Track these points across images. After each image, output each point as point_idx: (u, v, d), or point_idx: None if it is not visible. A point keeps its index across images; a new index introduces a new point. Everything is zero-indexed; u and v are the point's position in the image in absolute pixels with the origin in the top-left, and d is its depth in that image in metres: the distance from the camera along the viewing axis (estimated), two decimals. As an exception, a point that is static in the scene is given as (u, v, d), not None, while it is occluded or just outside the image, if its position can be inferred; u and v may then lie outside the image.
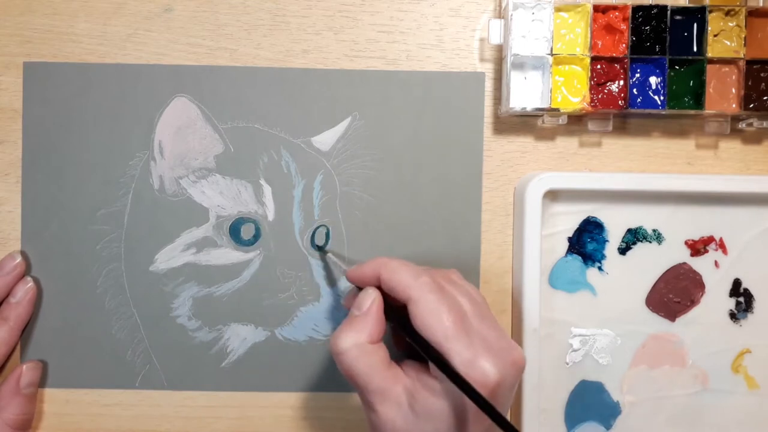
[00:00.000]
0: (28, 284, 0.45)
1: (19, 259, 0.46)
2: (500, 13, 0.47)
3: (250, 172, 0.46)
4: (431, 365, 0.36)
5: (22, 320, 0.45)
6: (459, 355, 0.35)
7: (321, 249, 0.46)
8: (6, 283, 0.45)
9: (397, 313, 0.38)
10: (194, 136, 0.46)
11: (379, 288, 0.38)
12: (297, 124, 0.46)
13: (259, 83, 0.46)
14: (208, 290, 0.47)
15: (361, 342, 0.37)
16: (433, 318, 0.36)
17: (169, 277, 0.47)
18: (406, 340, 0.39)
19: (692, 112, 0.45)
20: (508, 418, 0.47)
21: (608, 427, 0.47)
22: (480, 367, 0.35)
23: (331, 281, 0.46)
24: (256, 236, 0.46)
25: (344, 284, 0.47)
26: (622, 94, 0.45)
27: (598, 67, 0.45)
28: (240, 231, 0.46)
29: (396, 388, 0.36)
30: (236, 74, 0.46)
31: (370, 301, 0.38)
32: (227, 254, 0.46)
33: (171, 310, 0.47)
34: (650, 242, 0.47)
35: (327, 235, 0.47)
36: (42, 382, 0.46)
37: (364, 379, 0.36)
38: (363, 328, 0.37)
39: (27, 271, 0.46)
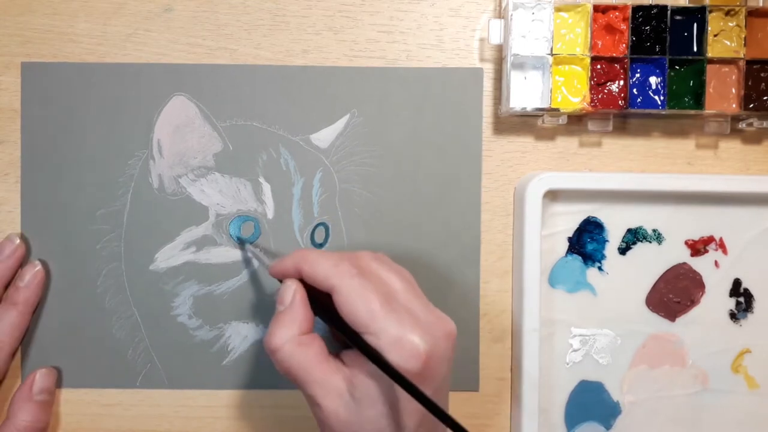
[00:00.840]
0: (36, 267, 0.45)
1: (17, 241, 0.45)
2: (500, 13, 0.47)
3: (249, 170, 0.46)
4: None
5: (31, 304, 0.45)
6: (386, 333, 0.35)
7: (241, 241, 0.46)
8: (7, 267, 0.45)
9: (321, 304, 0.38)
10: (193, 135, 0.46)
11: (303, 282, 0.38)
12: (295, 122, 0.46)
13: (258, 81, 0.46)
14: (208, 288, 0.47)
15: (292, 336, 0.36)
16: (357, 302, 0.35)
17: (169, 275, 0.47)
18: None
19: (692, 112, 0.45)
20: (510, 419, 0.47)
21: (608, 427, 0.47)
22: (409, 341, 0.35)
23: (252, 274, 0.46)
24: (256, 234, 0.46)
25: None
26: (622, 94, 0.45)
27: (598, 67, 0.45)
28: (240, 229, 0.46)
29: (335, 379, 0.36)
30: (234, 72, 0.46)
31: (291, 293, 0.38)
32: (227, 252, 0.46)
33: (171, 309, 0.47)
34: (650, 242, 0.47)
35: (326, 232, 0.47)
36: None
37: (303, 374, 0.36)
38: (291, 321, 0.37)
39: (27, 255, 0.46)
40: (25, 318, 0.45)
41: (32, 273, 0.45)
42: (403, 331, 0.35)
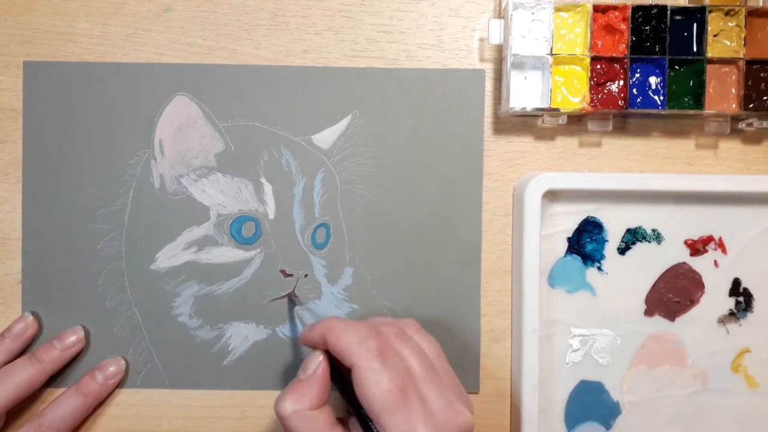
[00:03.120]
0: (80, 333, 0.46)
1: (30, 319, 0.46)
2: (500, 13, 0.47)
3: (250, 170, 0.46)
4: None
5: (55, 366, 0.45)
6: (395, 429, 0.35)
7: (292, 302, 0.46)
8: (17, 348, 0.45)
9: (341, 380, 0.38)
10: (194, 135, 0.46)
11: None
12: (297, 122, 0.47)
13: (260, 81, 0.47)
14: (209, 288, 0.47)
15: (301, 409, 0.37)
16: (373, 388, 0.36)
17: (170, 275, 0.47)
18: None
19: (692, 112, 0.45)
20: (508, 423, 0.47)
21: (608, 427, 0.47)
22: None
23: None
24: (257, 234, 0.46)
25: (344, 283, 0.47)
26: (622, 94, 0.45)
27: (598, 67, 0.45)
28: (241, 229, 0.46)
29: None
30: (236, 72, 0.47)
31: (315, 365, 0.38)
32: (228, 252, 0.46)
33: (172, 309, 0.47)
34: (650, 242, 0.47)
35: (327, 233, 0.47)
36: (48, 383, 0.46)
37: None
38: (305, 394, 0.37)
39: (39, 331, 0.46)
40: (42, 377, 0.45)
41: (72, 340, 0.46)
42: (411, 430, 0.35)
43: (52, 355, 0.45)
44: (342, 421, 0.38)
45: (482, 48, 0.47)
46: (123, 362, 0.46)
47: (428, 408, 0.36)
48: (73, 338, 0.46)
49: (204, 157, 0.46)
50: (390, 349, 0.37)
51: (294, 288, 0.46)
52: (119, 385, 0.47)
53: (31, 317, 0.46)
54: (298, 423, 0.37)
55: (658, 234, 0.47)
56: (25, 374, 0.44)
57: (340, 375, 0.38)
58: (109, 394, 0.46)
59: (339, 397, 0.39)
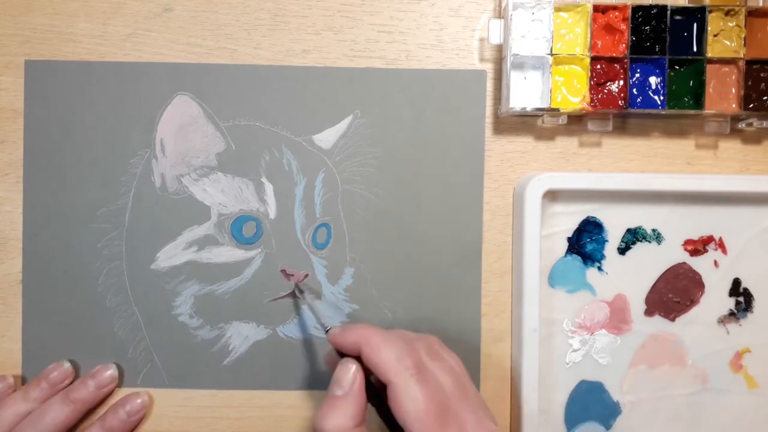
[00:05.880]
0: (114, 372, 0.46)
1: (67, 366, 0.46)
2: (500, 13, 0.47)
3: (251, 170, 0.47)
4: None
5: (88, 407, 0.45)
6: None
7: (300, 289, 0.46)
8: (53, 393, 0.45)
9: (376, 396, 0.38)
10: (196, 134, 0.46)
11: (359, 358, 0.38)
12: (298, 122, 0.47)
13: (261, 81, 0.47)
14: (209, 288, 0.47)
15: (345, 426, 0.36)
16: (411, 407, 0.36)
17: (170, 275, 0.47)
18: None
19: (692, 112, 0.45)
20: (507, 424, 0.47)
21: (608, 427, 0.47)
22: None
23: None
24: (258, 234, 0.46)
25: (345, 283, 0.47)
26: (622, 94, 0.45)
27: (598, 67, 0.45)
28: (241, 229, 0.46)
29: None
30: (237, 72, 0.47)
31: (351, 379, 0.38)
32: (229, 252, 0.46)
33: (172, 308, 0.47)
34: (650, 242, 0.47)
35: (328, 233, 0.47)
36: None
37: None
38: (346, 411, 0.37)
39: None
40: (74, 418, 0.44)
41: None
42: None
43: (85, 396, 0.45)
44: None
45: (482, 48, 0.47)
46: (146, 398, 0.46)
47: (462, 427, 0.36)
48: (107, 376, 0.46)
49: (205, 156, 0.46)
50: (425, 368, 0.37)
51: (298, 284, 0.46)
52: (119, 384, 0.47)
53: (69, 365, 0.46)
54: None
55: (658, 234, 0.47)
56: (58, 416, 0.44)
57: (371, 388, 0.38)
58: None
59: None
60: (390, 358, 0.37)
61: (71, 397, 0.44)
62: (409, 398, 0.36)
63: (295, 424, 0.47)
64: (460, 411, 0.37)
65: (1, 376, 0.46)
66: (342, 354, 0.39)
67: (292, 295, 0.46)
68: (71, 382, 0.46)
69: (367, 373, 0.38)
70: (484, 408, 0.39)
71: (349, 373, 0.38)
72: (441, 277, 0.47)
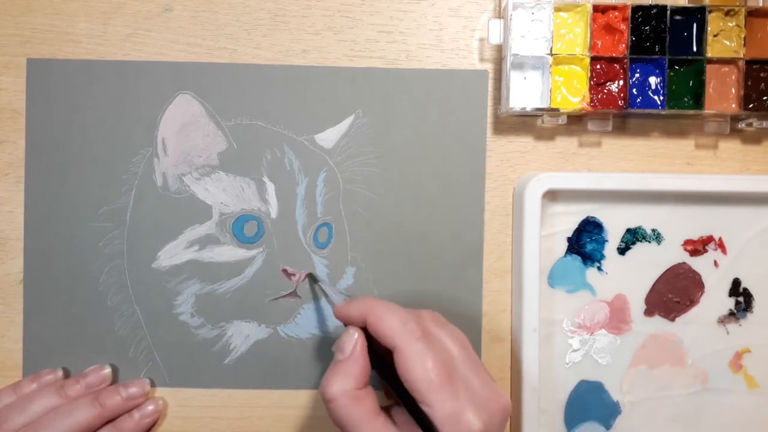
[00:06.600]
0: (146, 388, 0.46)
1: (108, 371, 0.46)
2: (500, 13, 0.47)
3: (253, 169, 0.47)
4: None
5: (115, 413, 0.45)
6: (443, 407, 0.35)
7: (314, 279, 0.46)
8: (86, 394, 0.45)
9: (379, 358, 0.38)
10: (197, 134, 0.47)
11: (365, 331, 0.38)
12: (300, 122, 0.47)
13: (263, 81, 0.47)
14: (210, 287, 0.47)
15: (349, 388, 0.37)
16: (418, 368, 0.36)
17: (171, 274, 0.47)
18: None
19: (692, 112, 0.45)
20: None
21: (608, 427, 0.47)
22: (465, 419, 0.35)
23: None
24: (259, 233, 0.46)
25: (346, 283, 0.47)
26: (622, 94, 0.45)
27: (598, 67, 0.45)
28: (243, 228, 0.46)
29: None
30: (239, 71, 0.47)
31: (353, 343, 0.38)
32: (230, 251, 0.46)
33: (173, 308, 0.47)
34: (649, 242, 0.47)
35: (330, 232, 0.47)
36: None
37: (354, 428, 0.36)
38: (348, 373, 0.37)
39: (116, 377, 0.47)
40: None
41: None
42: (459, 407, 0.35)
43: (115, 403, 0.45)
44: (385, 409, 0.38)
45: (482, 48, 0.47)
46: (161, 403, 0.46)
47: (471, 388, 0.36)
48: (137, 391, 0.45)
49: (207, 155, 0.47)
50: (430, 332, 0.37)
51: (305, 276, 0.47)
52: (120, 382, 0.47)
53: (109, 370, 0.46)
54: (347, 404, 0.36)
55: (658, 234, 0.47)
56: (85, 416, 0.44)
57: (376, 356, 0.38)
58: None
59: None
60: (395, 323, 0.37)
61: (101, 400, 0.44)
62: (414, 361, 0.36)
63: (295, 424, 0.47)
64: (468, 373, 0.37)
65: (51, 370, 0.46)
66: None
67: (293, 294, 0.46)
68: (106, 387, 0.46)
69: (376, 347, 0.38)
70: (489, 373, 0.38)
71: (352, 338, 0.38)
72: (442, 276, 0.47)
